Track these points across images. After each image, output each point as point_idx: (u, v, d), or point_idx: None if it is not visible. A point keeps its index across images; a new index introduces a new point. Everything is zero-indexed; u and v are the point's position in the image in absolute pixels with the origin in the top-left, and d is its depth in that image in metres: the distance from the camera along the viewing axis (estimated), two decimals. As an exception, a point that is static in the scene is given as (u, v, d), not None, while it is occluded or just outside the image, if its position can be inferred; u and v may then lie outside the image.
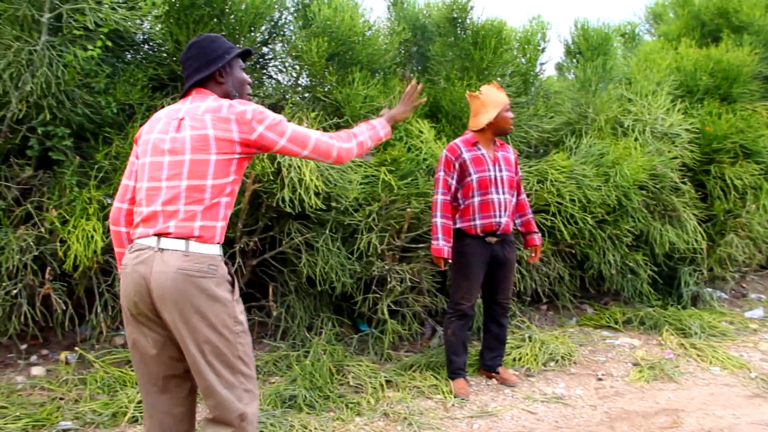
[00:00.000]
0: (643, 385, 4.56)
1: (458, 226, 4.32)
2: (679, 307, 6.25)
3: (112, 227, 2.63)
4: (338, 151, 2.60)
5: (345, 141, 2.64)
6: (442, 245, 4.20)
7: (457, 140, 4.38)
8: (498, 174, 4.28)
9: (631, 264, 6.07)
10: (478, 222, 4.25)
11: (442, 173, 4.30)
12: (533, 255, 4.60)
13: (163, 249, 2.34)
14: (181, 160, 2.40)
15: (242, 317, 2.46)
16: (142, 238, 2.40)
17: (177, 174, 2.40)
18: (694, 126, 6.43)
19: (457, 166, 4.28)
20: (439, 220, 4.24)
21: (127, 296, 2.39)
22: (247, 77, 2.74)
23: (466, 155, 4.27)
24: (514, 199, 4.41)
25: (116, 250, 2.67)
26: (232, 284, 2.44)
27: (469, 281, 4.31)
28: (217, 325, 2.35)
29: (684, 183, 6.33)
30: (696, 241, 6.19)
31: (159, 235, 2.36)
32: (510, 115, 4.31)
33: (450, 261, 4.27)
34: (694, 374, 4.78)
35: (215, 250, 2.41)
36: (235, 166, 2.47)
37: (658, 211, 6.20)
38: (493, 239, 4.29)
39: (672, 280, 6.50)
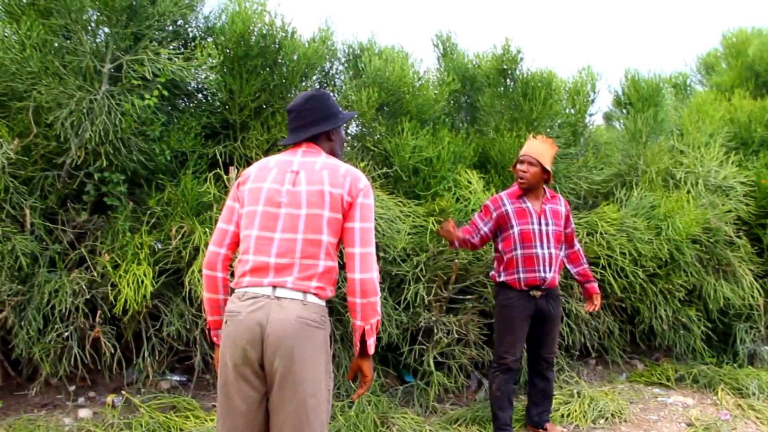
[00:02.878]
0: (698, 448, 4.39)
1: (502, 279, 4.27)
2: (734, 365, 6.04)
3: (207, 272, 2.60)
4: (373, 279, 2.46)
5: (379, 288, 2.54)
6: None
7: (503, 192, 4.37)
8: (543, 228, 4.23)
9: (683, 319, 5.91)
10: (522, 276, 4.19)
11: (476, 216, 4.35)
12: (595, 303, 4.45)
13: (280, 297, 2.37)
14: (297, 214, 2.43)
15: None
16: (253, 287, 2.41)
17: (293, 227, 2.42)
18: (749, 179, 6.30)
19: (495, 215, 4.26)
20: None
21: (236, 344, 2.37)
22: (345, 137, 2.78)
23: (508, 207, 4.25)
24: (561, 253, 4.34)
25: (206, 295, 2.63)
26: (332, 338, 2.48)
27: (512, 335, 4.23)
28: (321, 381, 2.39)
29: (739, 237, 6.17)
30: (752, 296, 6.00)
31: (274, 285, 2.39)
32: (519, 167, 4.25)
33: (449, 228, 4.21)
34: (752, 438, 4.60)
35: (324, 303, 2.46)
36: (341, 230, 2.50)
37: (712, 265, 6.05)
38: (537, 293, 4.22)
39: (727, 336, 6.30)
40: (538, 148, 4.22)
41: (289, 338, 2.32)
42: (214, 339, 2.68)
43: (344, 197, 2.46)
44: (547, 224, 4.23)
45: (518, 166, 4.27)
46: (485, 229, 4.28)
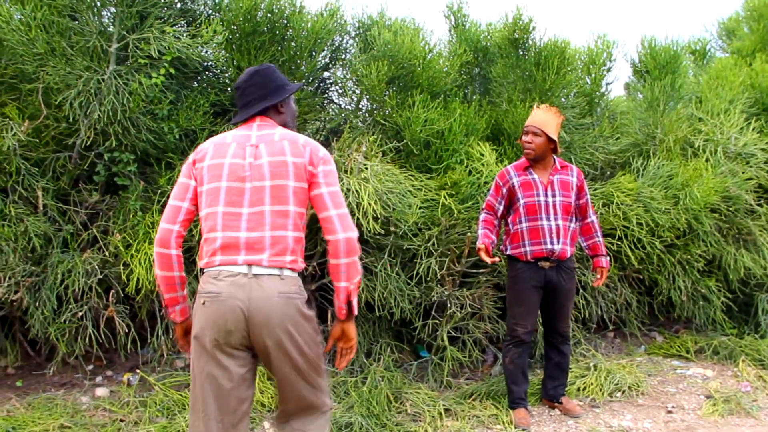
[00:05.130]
0: (717, 420, 4.34)
1: (509, 252, 4.24)
2: (756, 336, 5.95)
3: (160, 249, 2.53)
4: (355, 238, 2.49)
5: (357, 243, 2.53)
6: (482, 240, 4.12)
7: (510, 165, 4.31)
8: (550, 199, 4.16)
9: (702, 290, 5.82)
10: (528, 248, 4.14)
11: (490, 196, 4.29)
12: (599, 277, 4.42)
13: (257, 275, 2.39)
14: (262, 187, 2.45)
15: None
16: (227, 265, 2.41)
17: (259, 200, 2.44)
18: (771, 145, 6.16)
19: (505, 191, 4.22)
20: (480, 231, 4.20)
21: (218, 324, 2.38)
22: (296, 108, 2.83)
23: (515, 180, 4.20)
24: (572, 225, 4.27)
25: (161, 273, 2.55)
26: (309, 302, 2.55)
27: (522, 306, 4.19)
28: (309, 341, 2.47)
29: (760, 205, 6.05)
30: (774, 266, 5.90)
31: (249, 264, 2.40)
32: (524, 138, 4.18)
33: (485, 248, 4.08)
34: (773, 409, 4.53)
35: (297, 274, 2.51)
36: (307, 199, 2.54)
37: (731, 234, 5.94)
38: (546, 264, 4.16)
39: (748, 307, 6.21)
40: (543, 118, 4.14)
41: (276, 315, 2.37)
42: (173, 317, 2.64)
43: (306, 166, 2.50)
44: (554, 195, 4.16)
45: (523, 138, 4.20)
46: (501, 207, 4.25)
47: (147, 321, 4.63)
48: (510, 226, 4.24)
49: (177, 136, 4.60)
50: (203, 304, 2.42)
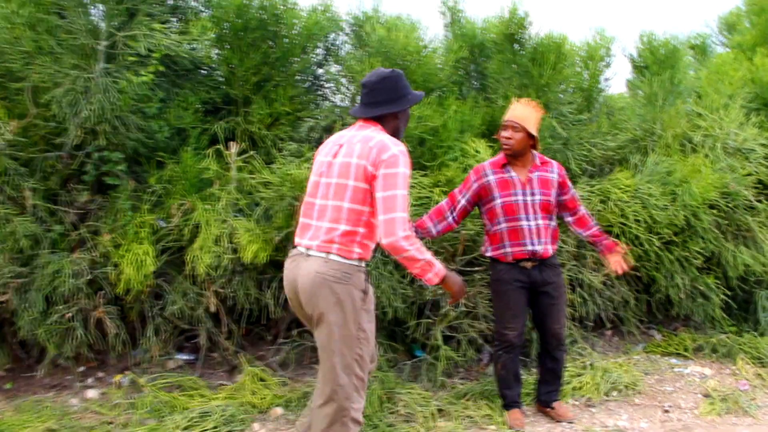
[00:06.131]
0: (715, 419, 4.29)
1: (490, 254, 4.14)
2: (755, 333, 5.87)
3: None
4: (395, 241, 2.72)
5: (412, 242, 2.76)
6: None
7: (487, 161, 4.20)
8: (529, 198, 4.03)
9: (701, 287, 5.74)
10: (509, 250, 4.03)
11: (456, 188, 4.21)
12: (617, 259, 4.13)
13: (309, 255, 2.85)
14: (329, 183, 2.88)
15: (367, 326, 2.90)
16: (295, 247, 2.96)
17: (325, 194, 2.89)
18: (771, 141, 6.08)
19: (475, 186, 4.09)
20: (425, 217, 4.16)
21: (286, 293, 3.01)
22: (409, 113, 3.13)
23: (491, 177, 4.07)
24: (551, 223, 4.13)
25: None
26: (365, 293, 2.86)
27: (509, 308, 4.09)
28: (341, 326, 2.80)
29: (759, 201, 5.98)
30: (774, 263, 5.82)
31: (307, 247, 2.87)
32: (503, 134, 4.05)
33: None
34: (772, 408, 4.47)
35: (353, 262, 2.84)
36: (371, 198, 2.83)
37: (730, 231, 5.87)
38: (528, 264, 4.05)
39: (747, 304, 6.13)
40: (522, 112, 4.02)
41: (306, 290, 2.80)
42: None
43: (367, 168, 2.77)
44: (533, 194, 4.04)
45: (502, 133, 4.07)
46: (463, 201, 4.12)
47: (138, 322, 4.59)
48: (488, 226, 4.13)
49: (167, 135, 4.56)
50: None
